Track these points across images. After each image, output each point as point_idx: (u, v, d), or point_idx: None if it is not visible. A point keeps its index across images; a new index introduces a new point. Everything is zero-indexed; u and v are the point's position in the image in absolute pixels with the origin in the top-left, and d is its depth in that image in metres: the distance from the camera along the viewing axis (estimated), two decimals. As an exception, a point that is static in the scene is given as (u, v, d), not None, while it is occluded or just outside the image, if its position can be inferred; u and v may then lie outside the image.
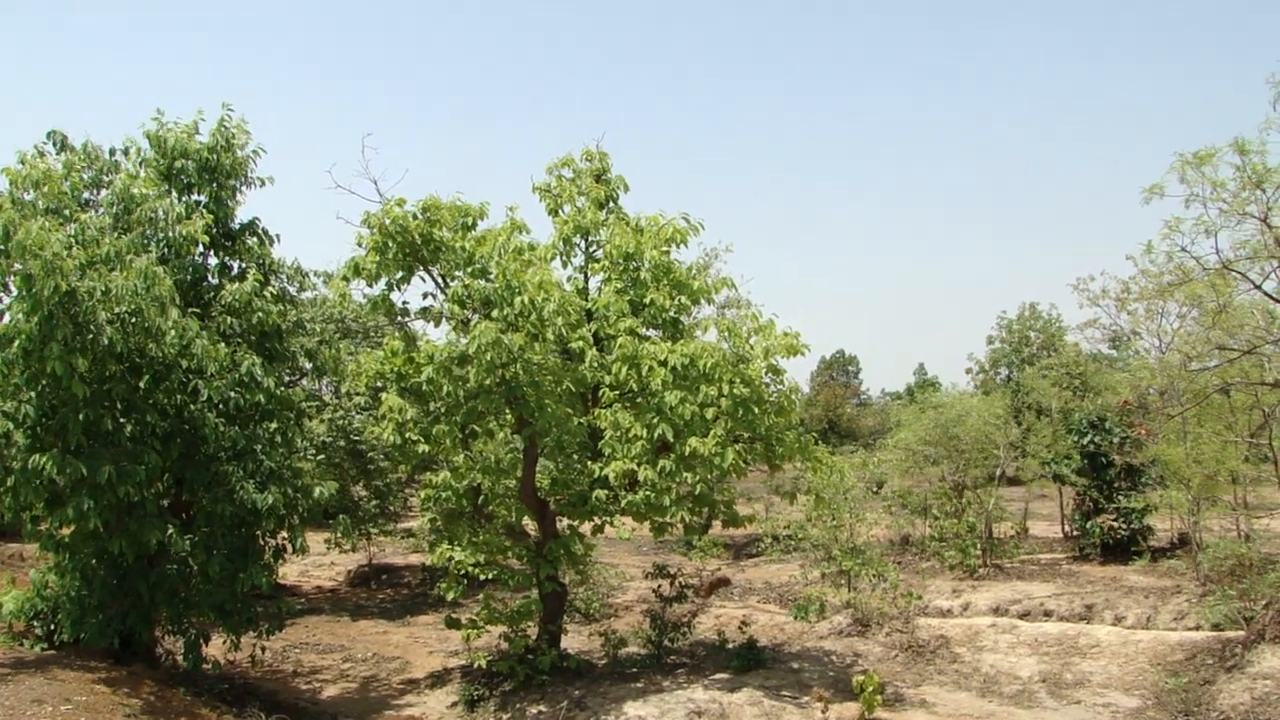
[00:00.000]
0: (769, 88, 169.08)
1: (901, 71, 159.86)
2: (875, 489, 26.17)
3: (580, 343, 12.89)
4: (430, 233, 12.75)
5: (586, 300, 13.83)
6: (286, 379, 14.90)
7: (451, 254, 12.84)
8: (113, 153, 12.93)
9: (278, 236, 13.77)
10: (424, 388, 12.69)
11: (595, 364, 12.88)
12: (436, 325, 13.49)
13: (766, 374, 12.94)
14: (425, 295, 13.50)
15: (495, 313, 12.02)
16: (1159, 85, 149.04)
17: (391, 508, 24.98)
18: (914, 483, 25.61)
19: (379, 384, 14.33)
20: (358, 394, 16.44)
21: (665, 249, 13.59)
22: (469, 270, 12.72)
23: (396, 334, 14.25)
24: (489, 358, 11.53)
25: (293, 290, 14.22)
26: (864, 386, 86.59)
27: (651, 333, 13.67)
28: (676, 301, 13.38)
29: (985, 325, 70.13)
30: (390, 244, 12.60)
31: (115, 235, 10.99)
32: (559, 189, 14.47)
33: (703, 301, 14.37)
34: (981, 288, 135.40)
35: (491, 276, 12.53)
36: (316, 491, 12.56)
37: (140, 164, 12.68)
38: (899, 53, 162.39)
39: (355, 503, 22.59)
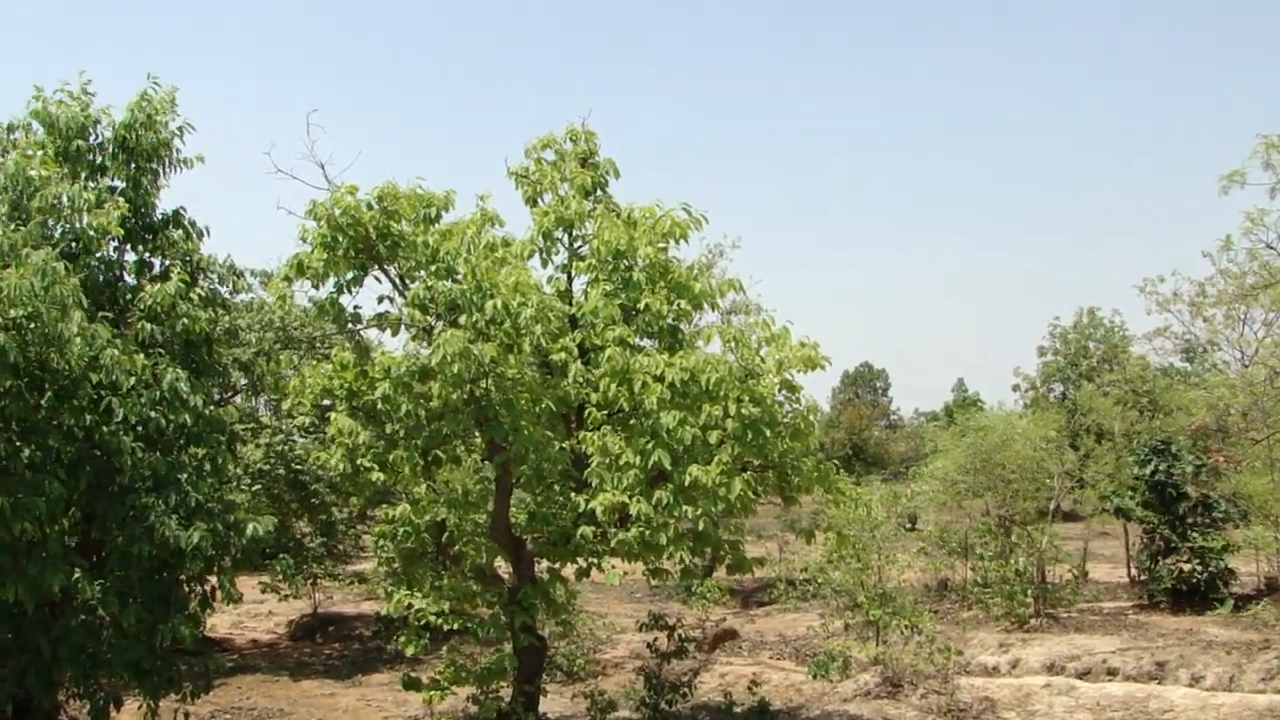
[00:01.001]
0: (785, 66, 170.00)
1: (937, 49, 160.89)
2: (908, 525, 26.15)
3: (562, 354, 12.85)
4: (387, 225, 12.69)
5: (570, 305, 13.80)
6: (217, 396, 14.80)
7: (412, 250, 12.79)
8: (10, 129, 12.86)
9: (206, 229, 13.69)
10: (379, 406, 12.60)
11: (580, 379, 12.84)
12: (394, 334, 13.43)
13: (780, 391, 12.91)
14: (381, 299, 13.44)
15: (463, 319, 11.96)
16: (1239, 60, 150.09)
17: (340, 547, 24.86)
18: (953, 518, 25.55)
19: (326, 402, 14.25)
20: (301, 414, 16.41)
21: (662, 245, 13.56)
22: (432, 269, 12.66)
23: (347, 344, 14.18)
24: (455, 371, 11.46)
25: (225, 292, 14.10)
26: (894, 405, 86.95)
27: (646, 343, 13.63)
28: (675, 306, 13.34)
29: (1036, 334, 70.27)
30: (340, 238, 12.53)
31: (11, 226, 10.90)
32: (538, 174, 14.43)
33: (706, 306, 14.34)
34: (1032, 290, 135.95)
35: (459, 277, 12.47)
36: (251, 528, 12.44)
37: (34, 146, 12.61)
38: (936, 29, 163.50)
39: (298, 541, 22.48)
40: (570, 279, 14.39)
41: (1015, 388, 46.48)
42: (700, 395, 12.13)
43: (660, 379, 12.17)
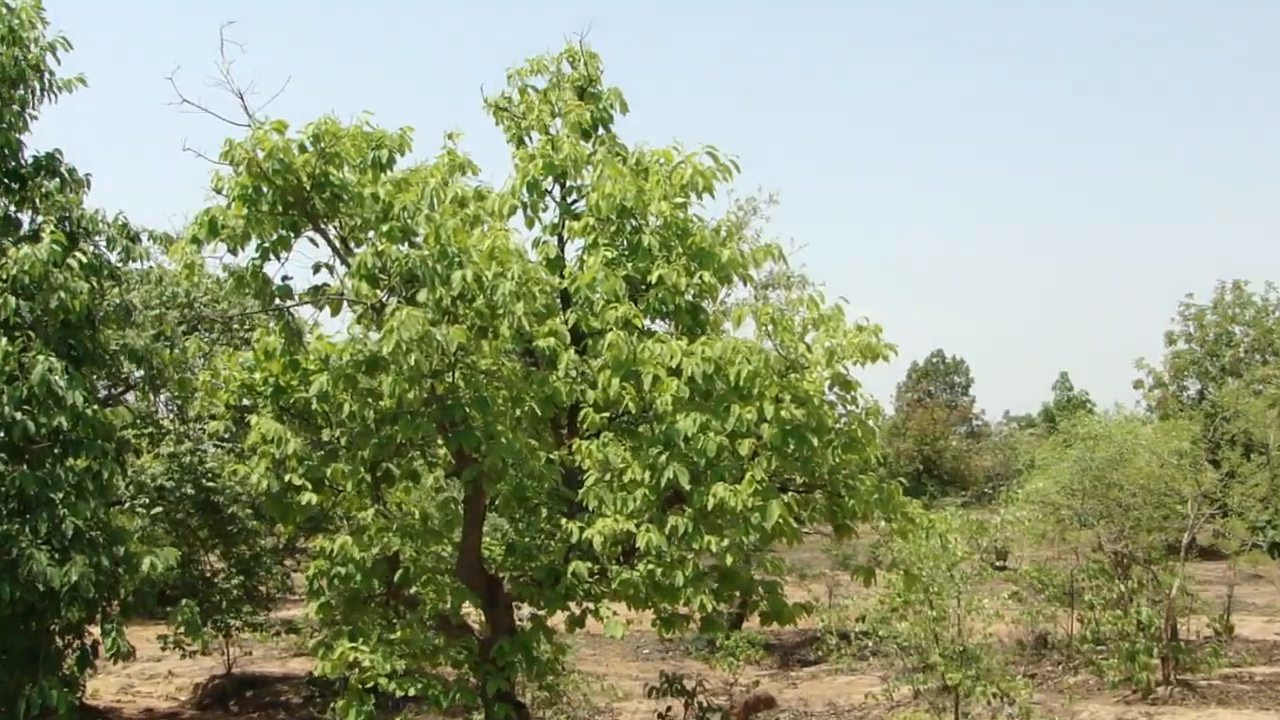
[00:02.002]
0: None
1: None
2: (997, 563, 26.12)
3: (551, 340, 12.86)
4: (325, 173, 12.67)
5: (562, 276, 13.80)
6: (103, 393, 14.87)
7: (357, 205, 12.79)
8: None
9: (87, 179, 13.70)
10: (314, 407, 12.65)
11: (574, 372, 12.85)
12: (334, 313, 13.43)
13: (831, 388, 12.91)
14: (317, 267, 13.43)
15: (423, 294, 11.96)
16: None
17: (263, 589, 24.89)
18: (1055, 554, 25.53)
19: (246, 402, 14.28)
20: (213, 417, 16.36)
21: (681, 200, 13.55)
22: (384, 230, 12.65)
23: (273, 325, 14.20)
24: (413, 361, 11.45)
25: (114, 259, 14.15)
26: (977, 407, 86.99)
27: (658, 325, 13.64)
28: (696, 279, 13.33)
29: (1163, 316, 70.27)
30: (265, 189, 12.51)
31: None
32: (524, 107, 14.42)
33: (735, 279, 14.32)
34: (1157, 261, 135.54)
35: (418, 239, 12.48)
36: (147, 564, 12.51)
37: None
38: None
39: (207, 581, 22.54)
40: (562, 243, 14.41)
41: (1137, 384, 46.47)
42: (728, 393, 12.13)
43: (676, 372, 12.16)
